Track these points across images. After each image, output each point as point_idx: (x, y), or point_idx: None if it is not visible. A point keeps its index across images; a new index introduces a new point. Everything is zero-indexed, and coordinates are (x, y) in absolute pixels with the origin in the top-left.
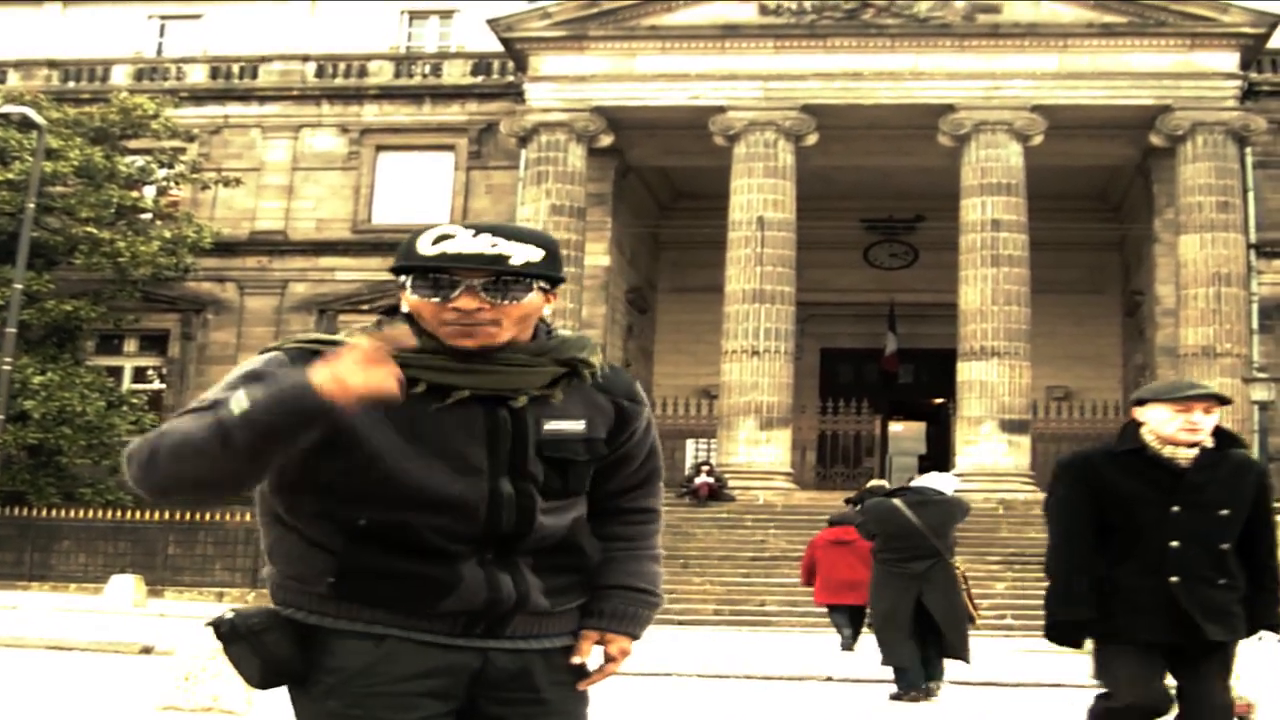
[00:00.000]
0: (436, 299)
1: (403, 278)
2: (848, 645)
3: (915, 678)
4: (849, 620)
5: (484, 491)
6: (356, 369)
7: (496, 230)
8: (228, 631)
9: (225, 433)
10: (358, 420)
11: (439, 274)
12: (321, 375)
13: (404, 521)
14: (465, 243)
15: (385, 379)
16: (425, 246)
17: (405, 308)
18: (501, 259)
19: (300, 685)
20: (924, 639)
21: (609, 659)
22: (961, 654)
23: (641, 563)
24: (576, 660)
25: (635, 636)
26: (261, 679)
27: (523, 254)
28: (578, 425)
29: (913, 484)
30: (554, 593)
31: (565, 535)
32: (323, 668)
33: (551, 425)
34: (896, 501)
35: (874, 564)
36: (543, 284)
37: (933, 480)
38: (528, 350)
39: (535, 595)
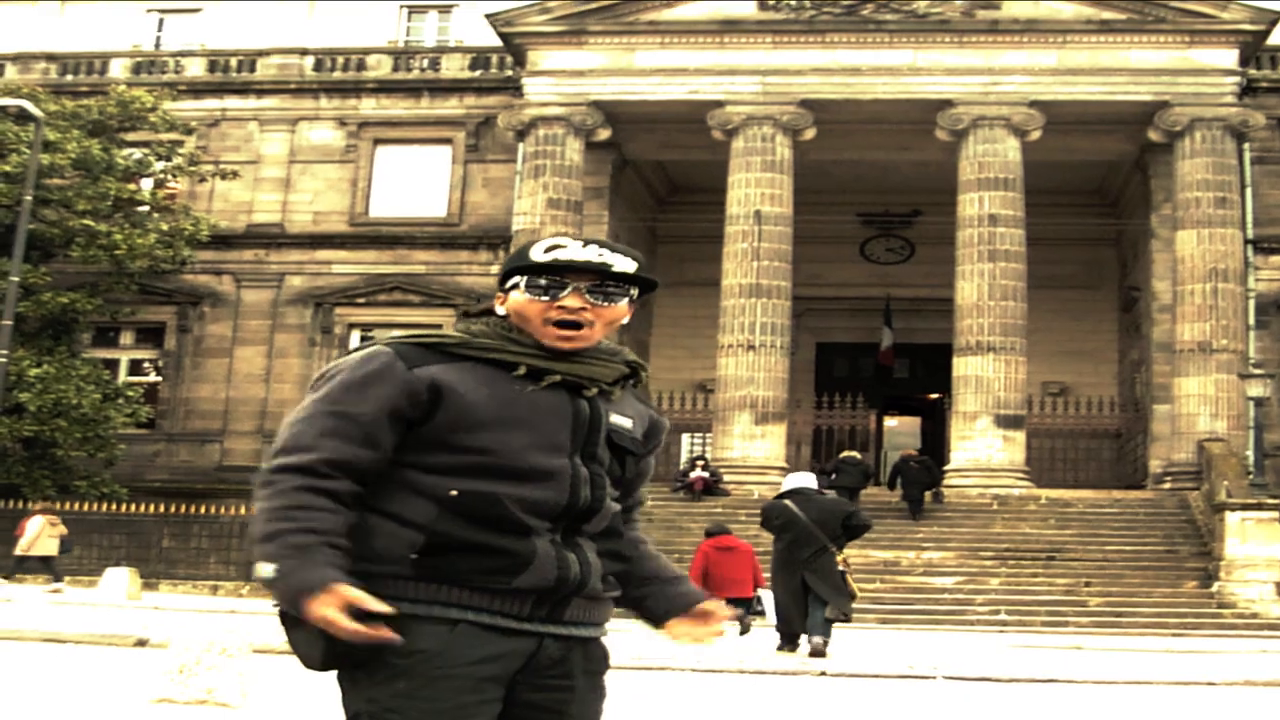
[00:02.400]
0: (545, 298)
1: (514, 279)
2: (744, 630)
3: (796, 627)
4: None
5: (567, 468)
6: (345, 628)
7: (601, 243)
8: (289, 615)
9: (262, 556)
10: (463, 398)
11: (552, 275)
12: (319, 612)
13: (493, 493)
14: (576, 251)
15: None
16: (539, 254)
17: (502, 310)
18: (606, 266)
19: (362, 668)
20: (809, 608)
21: (705, 614)
22: (843, 616)
23: (656, 558)
24: (715, 634)
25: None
26: (324, 662)
27: (623, 264)
28: (630, 422)
29: (787, 487)
30: (605, 578)
31: (613, 521)
32: (394, 650)
33: (614, 418)
34: (788, 502)
35: (776, 554)
36: (634, 292)
37: (798, 480)
38: (604, 350)
39: (594, 578)
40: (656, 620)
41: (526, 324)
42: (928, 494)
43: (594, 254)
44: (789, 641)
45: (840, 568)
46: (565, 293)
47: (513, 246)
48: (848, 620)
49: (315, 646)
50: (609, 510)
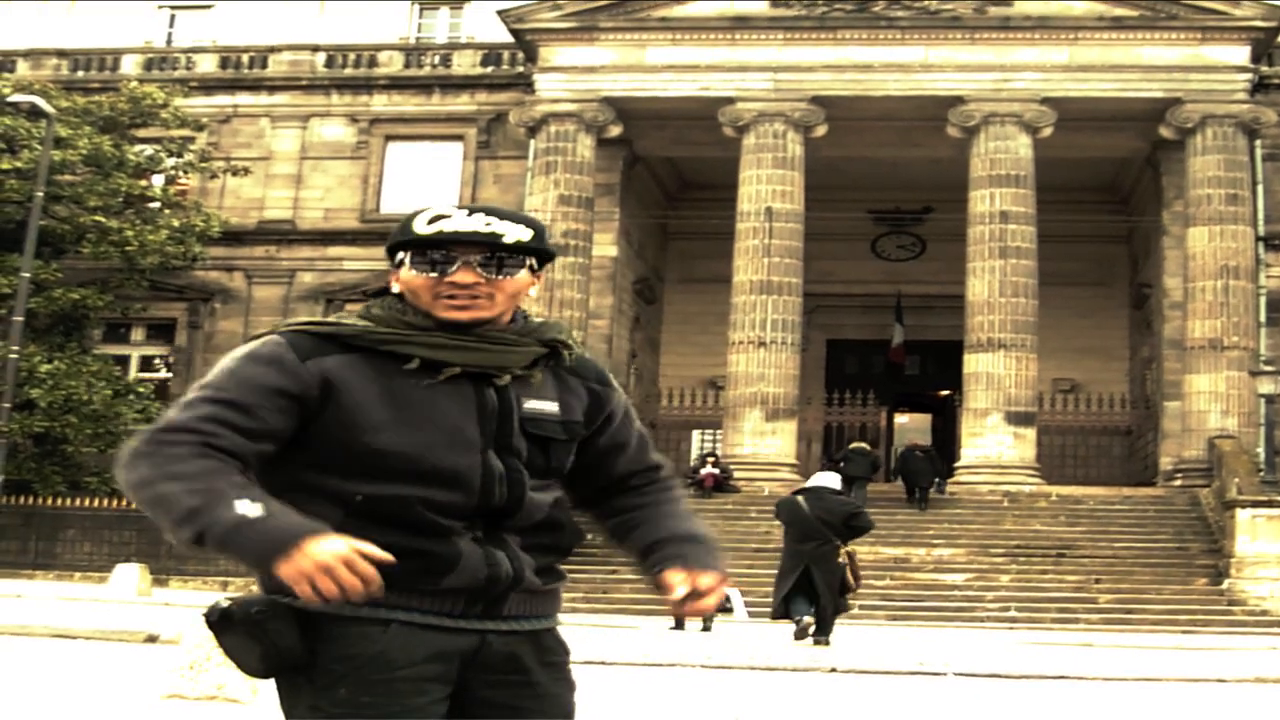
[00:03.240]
0: (434, 274)
1: (400, 255)
2: (706, 627)
3: (798, 613)
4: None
5: (478, 464)
6: (328, 574)
7: (489, 210)
8: (221, 620)
9: (195, 529)
10: (354, 396)
11: (436, 250)
12: (293, 567)
13: (400, 496)
14: (461, 221)
15: (354, 586)
16: (421, 226)
17: (397, 288)
18: (496, 236)
19: (301, 673)
20: (817, 601)
21: (695, 594)
22: (839, 609)
23: (686, 517)
24: (675, 597)
25: (720, 570)
26: (263, 668)
27: (514, 232)
28: (553, 406)
29: (808, 485)
30: (542, 571)
31: (548, 514)
32: (330, 655)
33: (531, 404)
34: (798, 498)
35: (784, 545)
36: (532, 263)
37: (821, 479)
38: (513, 330)
39: (529, 572)
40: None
41: (418, 300)
42: (932, 487)
43: (480, 223)
44: (804, 632)
45: (841, 560)
46: (454, 267)
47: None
48: (840, 612)
49: (253, 654)
50: (534, 505)
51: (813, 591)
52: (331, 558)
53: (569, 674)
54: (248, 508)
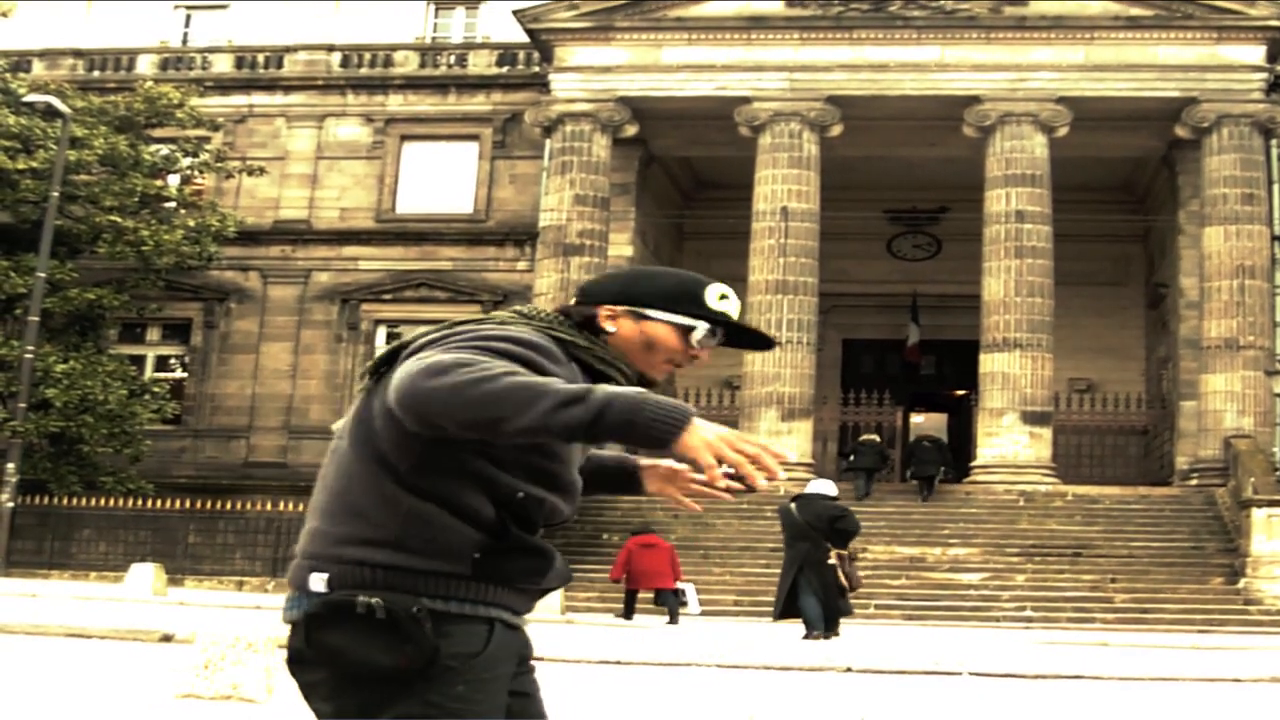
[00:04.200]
0: (689, 345)
1: (693, 323)
2: (673, 620)
3: (815, 623)
4: (668, 600)
5: (580, 482)
6: (735, 448)
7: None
8: (380, 617)
9: (592, 407)
10: None
11: (719, 328)
12: (701, 436)
13: (546, 501)
14: (734, 306)
15: (751, 469)
16: (714, 302)
17: (612, 328)
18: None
19: (420, 673)
20: (800, 598)
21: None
22: (841, 610)
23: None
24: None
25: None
26: (402, 665)
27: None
28: None
29: (805, 491)
30: None
31: None
32: (448, 652)
33: None
34: (791, 504)
35: (785, 549)
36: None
37: (816, 486)
38: None
39: None
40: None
41: (645, 352)
42: (939, 476)
43: (733, 308)
44: (814, 627)
45: (831, 561)
46: (714, 342)
47: (542, 243)
48: (842, 613)
49: (394, 651)
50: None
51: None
52: (721, 439)
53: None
54: (630, 390)
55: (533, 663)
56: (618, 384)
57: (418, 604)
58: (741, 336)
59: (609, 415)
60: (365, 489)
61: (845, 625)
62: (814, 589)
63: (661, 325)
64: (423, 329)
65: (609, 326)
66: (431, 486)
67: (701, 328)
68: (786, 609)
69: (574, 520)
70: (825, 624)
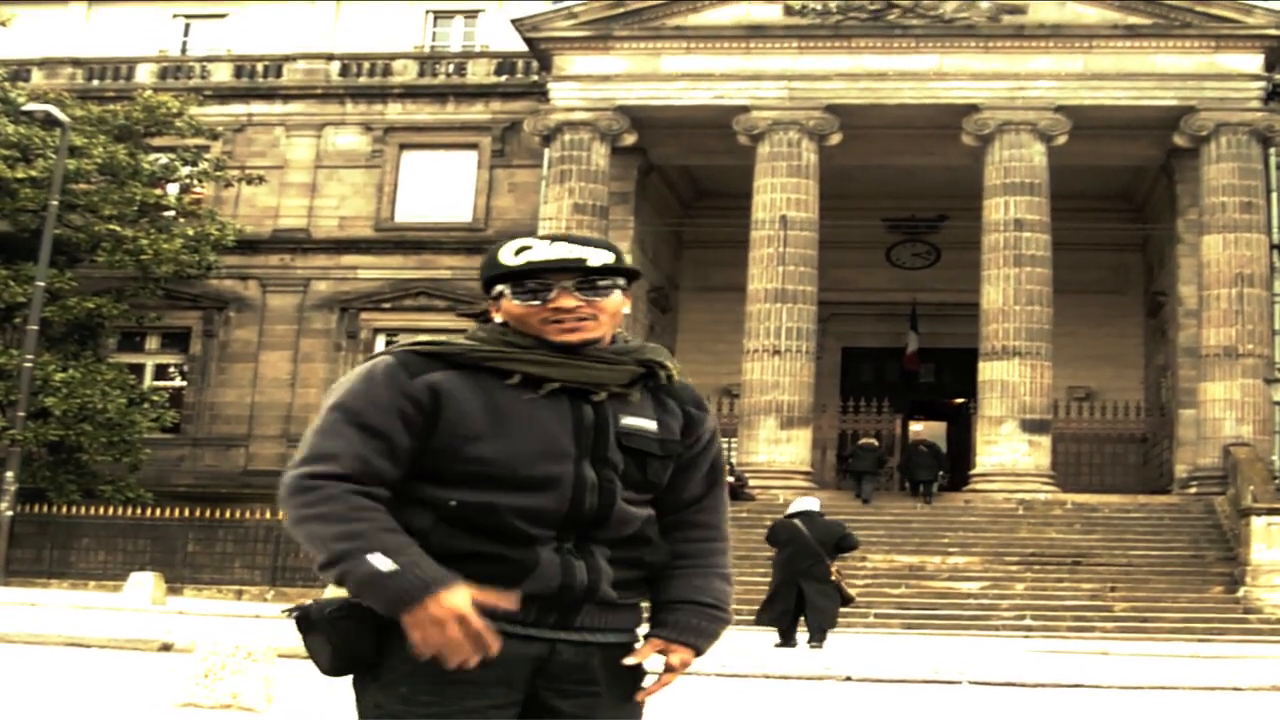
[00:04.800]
0: (536, 302)
1: (500, 288)
2: None
3: (788, 637)
4: None
5: (570, 473)
6: (451, 644)
7: (569, 238)
8: (301, 621)
9: (337, 574)
10: (459, 407)
11: (531, 279)
12: (420, 632)
13: (491, 504)
14: (545, 250)
15: (471, 654)
16: (509, 257)
17: (499, 318)
18: (581, 260)
19: (370, 673)
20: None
21: (669, 669)
22: (828, 625)
23: (709, 579)
24: (630, 661)
25: (700, 650)
26: (331, 666)
27: (598, 256)
28: (650, 424)
29: (796, 509)
30: (621, 585)
31: (640, 528)
32: (396, 654)
33: (628, 420)
34: (795, 520)
35: (776, 562)
36: (620, 283)
37: (805, 504)
38: (612, 350)
39: (604, 585)
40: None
41: (528, 328)
42: (935, 481)
43: (564, 251)
44: (786, 639)
45: (834, 578)
46: (553, 294)
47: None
48: (832, 625)
49: (324, 651)
50: (624, 516)
51: (801, 604)
52: (448, 614)
53: (635, 694)
54: (381, 561)
55: (597, 686)
56: (512, 363)
57: (340, 606)
58: (605, 271)
59: (349, 587)
60: None
61: (842, 634)
62: (819, 602)
63: (503, 300)
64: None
65: (496, 317)
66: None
67: (504, 288)
68: (784, 619)
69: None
70: (815, 636)
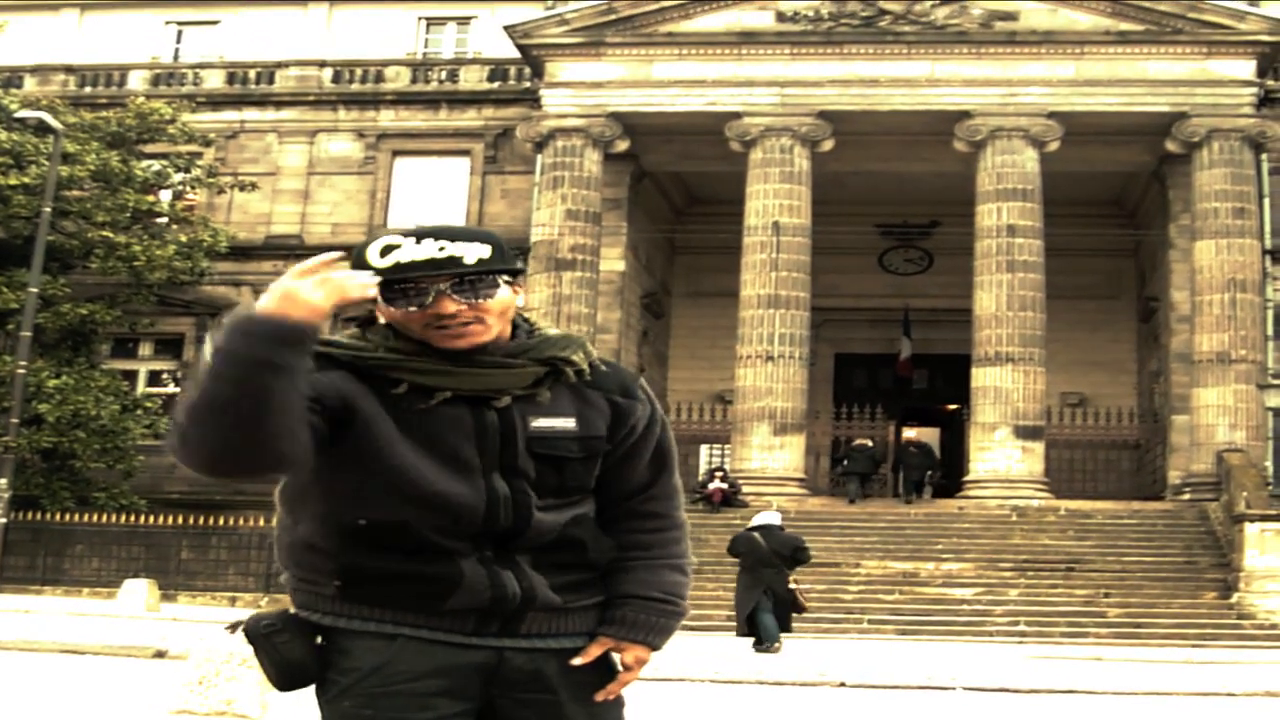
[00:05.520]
0: (413, 308)
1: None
2: None
3: (768, 637)
4: None
5: (480, 488)
6: (304, 284)
7: (439, 233)
8: (243, 635)
9: (214, 374)
10: (367, 415)
11: (404, 284)
12: (268, 299)
13: (403, 521)
14: (412, 250)
15: (343, 283)
16: (375, 258)
17: (383, 319)
18: (454, 260)
19: (319, 687)
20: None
21: (625, 668)
22: (786, 628)
23: (659, 571)
24: (577, 661)
25: (654, 646)
26: (279, 681)
27: (473, 252)
28: (568, 423)
29: (757, 523)
30: (564, 589)
31: (564, 532)
32: (336, 668)
33: (539, 423)
34: (755, 534)
35: (740, 572)
36: (505, 278)
37: (767, 518)
38: (505, 350)
39: (543, 591)
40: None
41: (411, 332)
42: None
43: (434, 250)
44: (760, 643)
45: (791, 586)
46: (430, 299)
47: (533, 258)
48: (787, 631)
49: (267, 666)
50: (542, 527)
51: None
52: (289, 281)
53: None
54: (207, 344)
55: (555, 694)
56: (398, 372)
57: (275, 619)
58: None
59: (229, 371)
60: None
61: (840, 641)
62: (770, 608)
63: (379, 305)
64: None
65: (381, 319)
66: (291, 520)
67: (378, 297)
68: (749, 627)
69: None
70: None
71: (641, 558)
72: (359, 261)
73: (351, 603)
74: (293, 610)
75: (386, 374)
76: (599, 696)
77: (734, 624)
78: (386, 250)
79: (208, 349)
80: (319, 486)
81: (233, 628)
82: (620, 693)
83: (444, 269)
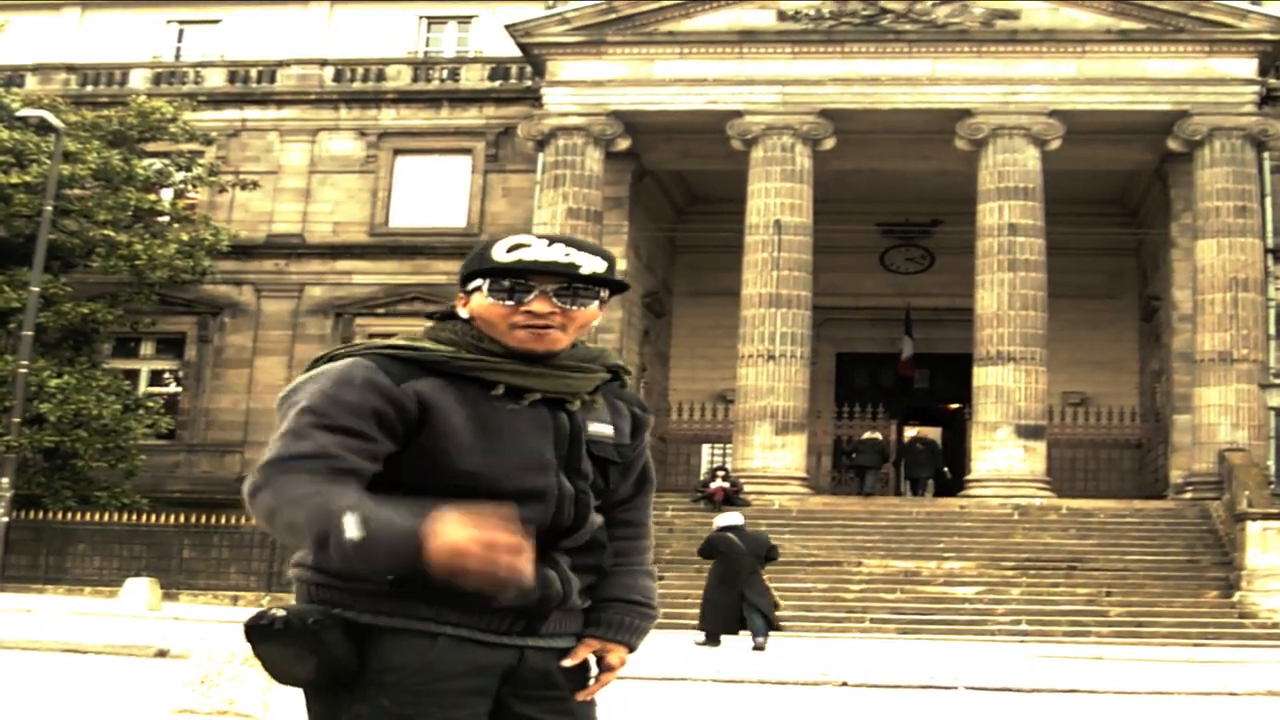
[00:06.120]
0: (510, 303)
1: (476, 282)
2: None
3: (724, 630)
4: None
5: (554, 487)
6: (486, 557)
7: (568, 241)
8: (268, 630)
9: (332, 543)
10: (446, 419)
11: (515, 279)
12: (444, 548)
13: None
14: (541, 251)
15: (519, 569)
16: (501, 254)
17: (465, 313)
18: (574, 267)
19: (345, 684)
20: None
21: (609, 668)
22: (772, 620)
23: (637, 577)
24: (569, 662)
25: (633, 647)
26: (315, 678)
27: (591, 264)
28: (609, 429)
29: (725, 523)
30: (585, 591)
31: (595, 534)
32: (375, 666)
33: (593, 427)
34: (729, 534)
35: (715, 572)
36: (603, 294)
37: (734, 518)
38: (579, 357)
39: (575, 593)
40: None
41: (491, 329)
42: (931, 478)
43: (560, 254)
44: (711, 640)
45: (766, 583)
46: (531, 296)
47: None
48: (777, 630)
49: (307, 664)
50: (591, 525)
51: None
52: (465, 541)
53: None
54: (353, 530)
55: (562, 690)
56: (495, 374)
57: (321, 615)
58: (592, 280)
59: (352, 564)
60: None
61: (842, 640)
62: (759, 605)
63: (476, 295)
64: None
65: (462, 312)
66: None
67: (481, 283)
68: (728, 626)
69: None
70: (762, 632)
71: (622, 564)
72: (484, 254)
73: (399, 600)
74: (321, 606)
75: (480, 376)
76: (581, 696)
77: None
78: (514, 248)
79: (354, 526)
80: (392, 485)
81: (263, 620)
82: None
83: (562, 272)
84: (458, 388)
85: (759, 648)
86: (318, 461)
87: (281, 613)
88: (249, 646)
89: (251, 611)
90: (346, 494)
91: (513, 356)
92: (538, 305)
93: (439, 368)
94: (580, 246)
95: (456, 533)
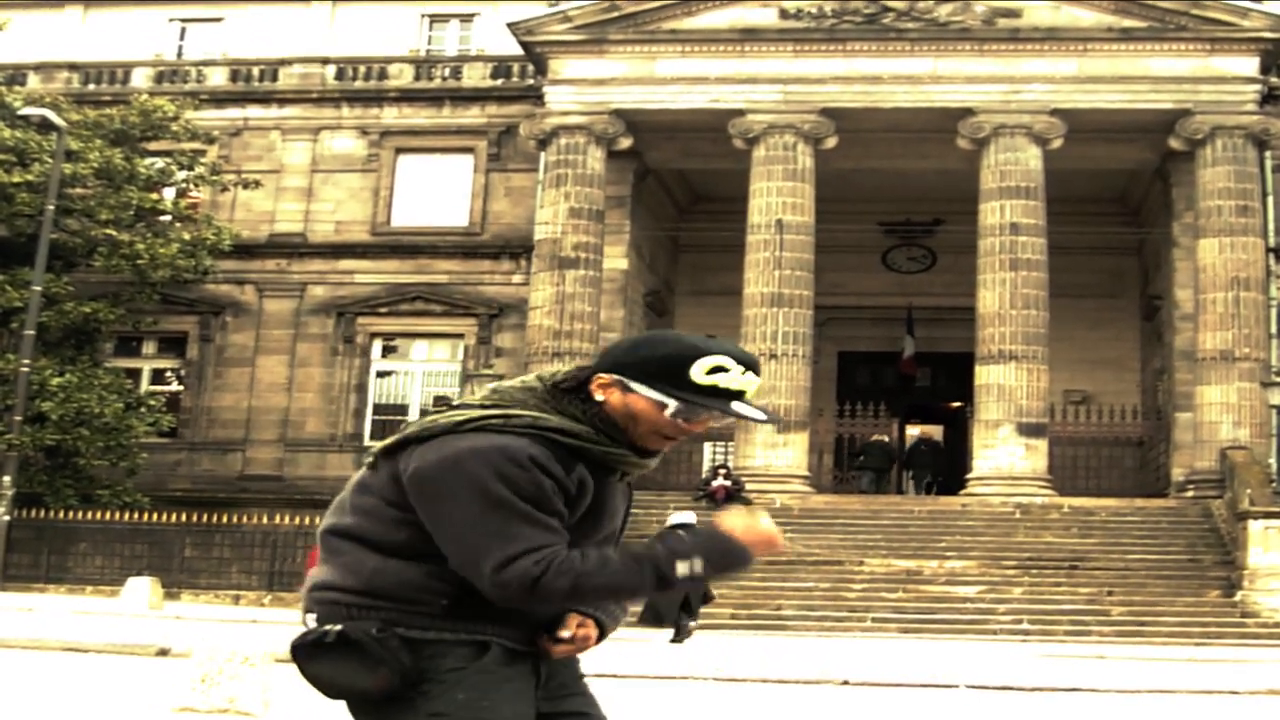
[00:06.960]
0: (681, 420)
1: (658, 393)
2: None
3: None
4: None
5: (616, 532)
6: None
7: (755, 367)
8: (325, 644)
9: (668, 583)
10: (588, 500)
11: (703, 399)
12: (763, 534)
13: None
14: (736, 379)
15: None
16: (700, 375)
17: (601, 397)
18: (743, 393)
19: (402, 696)
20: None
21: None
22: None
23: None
24: (566, 634)
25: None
26: (384, 687)
27: (756, 385)
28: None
29: (678, 521)
30: None
31: None
32: (441, 668)
33: None
34: (680, 532)
35: None
36: None
37: (683, 517)
38: None
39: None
40: None
41: (631, 424)
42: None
43: (751, 384)
44: (677, 635)
45: None
46: (703, 417)
47: (537, 256)
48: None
49: (371, 673)
50: None
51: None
52: (761, 540)
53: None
54: (684, 568)
55: (583, 684)
56: (621, 467)
57: (379, 626)
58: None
59: (702, 574)
60: (352, 549)
61: (844, 639)
62: (694, 601)
63: (641, 398)
64: (430, 417)
65: (599, 395)
66: (406, 559)
67: (672, 405)
68: (665, 619)
69: None
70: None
71: None
72: (679, 371)
73: (454, 618)
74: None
75: (617, 466)
76: (555, 650)
77: (738, 622)
78: (714, 371)
79: (693, 567)
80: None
81: (324, 636)
82: None
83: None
84: (593, 469)
85: (686, 634)
86: (560, 551)
87: (336, 628)
88: (296, 666)
89: (253, 611)
90: (631, 548)
91: (633, 449)
92: (700, 426)
93: (588, 455)
94: (756, 368)
95: (765, 522)
